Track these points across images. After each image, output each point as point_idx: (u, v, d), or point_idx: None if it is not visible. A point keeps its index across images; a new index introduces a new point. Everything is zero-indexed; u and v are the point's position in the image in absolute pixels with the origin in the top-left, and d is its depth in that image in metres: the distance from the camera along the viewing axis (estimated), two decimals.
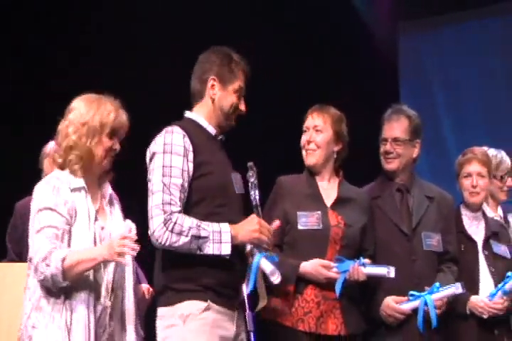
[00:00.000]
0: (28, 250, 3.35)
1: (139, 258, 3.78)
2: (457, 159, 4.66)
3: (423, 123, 4.48)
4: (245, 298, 3.50)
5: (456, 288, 4.10)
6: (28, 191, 4.81)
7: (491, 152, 4.80)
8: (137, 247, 3.18)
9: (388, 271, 3.99)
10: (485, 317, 4.36)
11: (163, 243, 3.36)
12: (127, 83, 6.69)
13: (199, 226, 3.37)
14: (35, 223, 3.33)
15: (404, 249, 4.22)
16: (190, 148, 3.46)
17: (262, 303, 3.75)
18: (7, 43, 7.12)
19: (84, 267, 3.25)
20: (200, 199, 3.47)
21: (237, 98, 3.64)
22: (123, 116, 3.48)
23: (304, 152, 4.17)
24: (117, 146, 3.47)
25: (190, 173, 3.46)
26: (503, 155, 4.88)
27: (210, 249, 3.37)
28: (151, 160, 3.49)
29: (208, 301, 3.40)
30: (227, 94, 3.62)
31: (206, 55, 3.68)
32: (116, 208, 3.55)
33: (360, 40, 7.61)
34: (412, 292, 4.13)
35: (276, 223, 3.60)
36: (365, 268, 3.99)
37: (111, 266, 3.39)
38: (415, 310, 4.11)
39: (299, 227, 4.03)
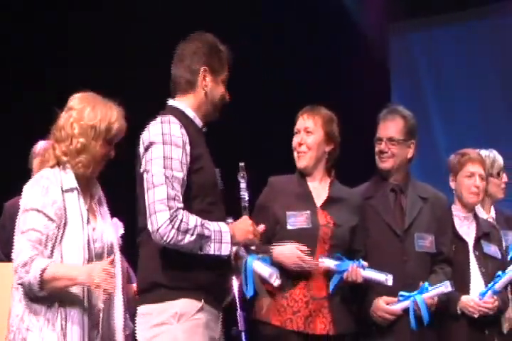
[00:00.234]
0: None
1: (129, 258, 3.79)
2: (453, 158, 4.64)
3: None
4: (236, 297, 3.45)
5: (446, 287, 4.09)
6: (17, 191, 4.81)
7: (483, 152, 4.84)
8: (114, 284, 3.18)
9: (386, 279, 3.99)
10: (475, 316, 4.36)
11: (168, 241, 3.20)
12: (127, 83, 6.71)
13: (203, 225, 3.25)
14: (20, 223, 3.30)
15: (396, 249, 4.21)
16: (187, 140, 3.32)
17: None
18: (7, 43, 7.13)
19: (63, 284, 3.21)
20: (193, 195, 3.33)
21: (225, 88, 3.55)
22: (124, 125, 3.47)
23: (295, 154, 4.16)
24: (113, 153, 3.46)
25: (188, 167, 3.32)
26: (495, 154, 4.91)
27: (211, 249, 3.26)
28: (146, 149, 3.31)
29: (202, 301, 3.30)
30: (217, 85, 3.51)
31: (192, 44, 3.52)
32: (105, 207, 3.52)
33: (351, 41, 7.62)
34: (401, 292, 4.11)
35: (262, 227, 3.50)
36: (364, 271, 3.99)
37: None
38: (406, 310, 4.10)
39: (288, 227, 4.03)
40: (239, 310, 3.47)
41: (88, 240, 3.31)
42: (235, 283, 3.47)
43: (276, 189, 4.14)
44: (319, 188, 4.15)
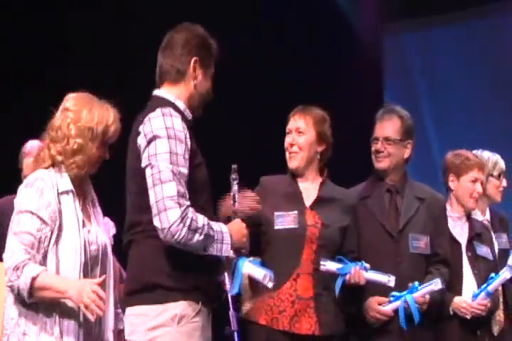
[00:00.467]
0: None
1: (120, 257, 3.77)
2: (455, 158, 4.63)
3: None
4: (229, 297, 3.43)
5: (436, 285, 4.07)
6: (7, 191, 4.83)
7: (486, 154, 4.89)
8: (103, 307, 3.13)
9: (389, 280, 3.98)
10: (468, 317, 4.36)
11: (179, 239, 3.11)
12: (127, 83, 6.71)
13: (209, 224, 3.19)
14: (14, 224, 3.28)
15: (389, 250, 4.19)
16: (187, 135, 3.24)
17: (248, 305, 3.72)
18: (7, 43, 7.13)
19: (52, 296, 3.19)
20: (193, 192, 3.24)
21: (211, 84, 3.47)
22: (119, 127, 3.44)
23: (287, 154, 4.15)
24: (108, 154, 3.44)
25: (188, 163, 3.24)
26: (497, 156, 4.95)
27: (214, 250, 3.21)
28: (149, 142, 3.21)
29: (200, 303, 3.24)
30: (205, 79, 3.43)
31: (183, 34, 3.43)
32: (98, 208, 3.50)
33: (350, 41, 7.62)
34: (393, 293, 4.09)
35: None
36: (367, 273, 3.99)
37: (96, 270, 3.34)
38: (398, 310, 4.08)
39: (275, 227, 4.02)
40: (231, 310, 3.46)
41: (84, 243, 3.29)
42: (227, 283, 3.45)
43: (267, 189, 4.12)
44: (310, 188, 4.13)
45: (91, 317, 3.15)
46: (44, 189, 3.28)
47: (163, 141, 3.19)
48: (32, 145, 4.85)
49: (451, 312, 4.38)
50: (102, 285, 3.25)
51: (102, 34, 7.13)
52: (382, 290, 4.08)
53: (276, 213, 4.04)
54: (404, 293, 4.08)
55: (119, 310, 3.48)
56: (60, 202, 3.29)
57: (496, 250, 4.78)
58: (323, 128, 4.13)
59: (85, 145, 3.35)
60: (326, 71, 7.45)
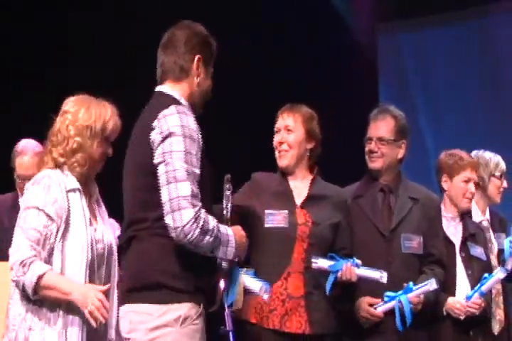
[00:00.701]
0: (7, 248, 3.34)
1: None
2: (448, 159, 4.63)
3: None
4: (225, 298, 3.43)
5: (431, 285, 4.06)
6: (7, 190, 4.82)
7: (488, 154, 4.93)
8: (106, 315, 3.18)
9: (381, 276, 3.97)
10: (461, 318, 4.36)
11: (191, 239, 3.11)
12: (127, 83, 6.71)
13: (218, 226, 3.19)
14: (21, 220, 3.33)
15: (381, 250, 4.18)
16: (200, 135, 3.23)
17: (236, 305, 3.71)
18: (7, 43, 7.13)
19: (56, 296, 3.23)
20: (201, 192, 3.21)
21: (211, 82, 3.46)
22: (119, 122, 3.48)
23: (276, 153, 4.14)
24: (111, 151, 3.47)
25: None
26: (498, 157, 4.97)
27: (220, 252, 3.20)
28: (164, 139, 3.17)
29: (201, 306, 3.23)
30: (207, 77, 3.42)
31: (184, 31, 3.41)
32: (103, 208, 3.54)
33: (339, 40, 7.62)
34: (387, 293, 4.08)
35: None
36: (358, 270, 3.98)
37: (102, 269, 3.38)
38: (392, 310, 4.06)
39: (265, 225, 4.01)
40: (226, 309, 3.46)
41: (91, 241, 3.33)
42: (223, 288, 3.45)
43: (259, 186, 4.13)
44: (301, 187, 4.12)
45: (93, 324, 3.20)
46: (51, 185, 3.33)
47: (179, 139, 3.16)
48: (24, 144, 4.87)
49: (445, 313, 4.38)
50: (107, 293, 3.29)
51: (102, 34, 7.13)
52: (375, 289, 4.07)
53: (266, 211, 4.04)
54: (399, 293, 4.06)
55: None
56: (68, 199, 3.33)
57: (496, 250, 4.79)
58: (311, 125, 4.13)
59: (84, 143, 3.38)
60: (325, 71, 7.45)
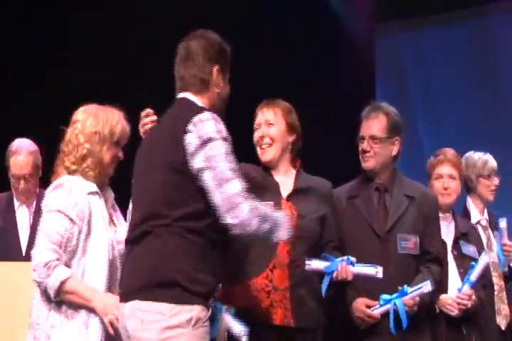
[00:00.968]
0: (2, 247, 3.42)
1: None
2: (429, 160, 4.69)
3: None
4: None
5: (426, 287, 4.02)
6: (7, 190, 4.82)
7: (477, 154, 4.96)
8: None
9: (377, 271, 3.94)
10: (453, 314, 4.34)
11: (251, 231, 3.23)
12: (127, 83, 6.71)
13: (271, 211, 3.34)
14: (44, 223, 3.42)
15: (376, 250, 4.13)
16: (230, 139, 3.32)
17: None
18: (7, 43, 7.14)
19: (76, 301, 3.35)
20: None
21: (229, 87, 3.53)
22: (127, 126, 3.56)
23: (258, 149, 4.13)
24: (121, 154, 3.55)
25: None
26: (488, 156, 4.99)
27: (278, 235, 3.33)
28: (204, 144, 3.23)
29: (209, 308, 3.25)
30: (225, 83, 3.50)
31: (199, 42, 3.46)
32: (118, 212, 3.63)
33: (337, 41, 7.63)
34: (383, 296, 4.04)
35: None
36: (354, 268, 3.95)
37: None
38: (389, 312, 4.03)
39: None
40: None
41: (112, 241, 3.43)
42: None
43: (245, 177, 4.11)
44: (285, 180, 4.10)
45: (112, 332, 3.32)
46: (72, 189, 3.43)
47: (218, 143, 3.24)
48: (19, 143, 4.87)
49: (438, 310, 4.37)
50: None
51: (102, 34, 7.14)
52: (371, 289, 4.05)
53: None
54: (394, 296, 4.03)
55: None
56: (89, 202, 3.43)
57: (496, 248, 4.79)
58: (291, 118, 4.13)
59: (94, 149, 3.49)
60: (325, 71, 7.45)
